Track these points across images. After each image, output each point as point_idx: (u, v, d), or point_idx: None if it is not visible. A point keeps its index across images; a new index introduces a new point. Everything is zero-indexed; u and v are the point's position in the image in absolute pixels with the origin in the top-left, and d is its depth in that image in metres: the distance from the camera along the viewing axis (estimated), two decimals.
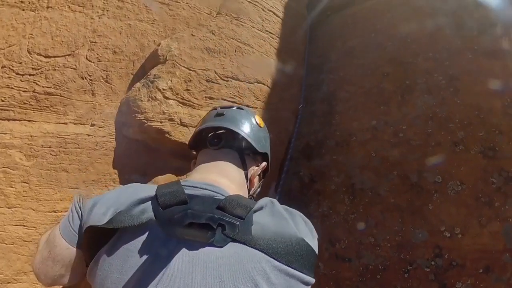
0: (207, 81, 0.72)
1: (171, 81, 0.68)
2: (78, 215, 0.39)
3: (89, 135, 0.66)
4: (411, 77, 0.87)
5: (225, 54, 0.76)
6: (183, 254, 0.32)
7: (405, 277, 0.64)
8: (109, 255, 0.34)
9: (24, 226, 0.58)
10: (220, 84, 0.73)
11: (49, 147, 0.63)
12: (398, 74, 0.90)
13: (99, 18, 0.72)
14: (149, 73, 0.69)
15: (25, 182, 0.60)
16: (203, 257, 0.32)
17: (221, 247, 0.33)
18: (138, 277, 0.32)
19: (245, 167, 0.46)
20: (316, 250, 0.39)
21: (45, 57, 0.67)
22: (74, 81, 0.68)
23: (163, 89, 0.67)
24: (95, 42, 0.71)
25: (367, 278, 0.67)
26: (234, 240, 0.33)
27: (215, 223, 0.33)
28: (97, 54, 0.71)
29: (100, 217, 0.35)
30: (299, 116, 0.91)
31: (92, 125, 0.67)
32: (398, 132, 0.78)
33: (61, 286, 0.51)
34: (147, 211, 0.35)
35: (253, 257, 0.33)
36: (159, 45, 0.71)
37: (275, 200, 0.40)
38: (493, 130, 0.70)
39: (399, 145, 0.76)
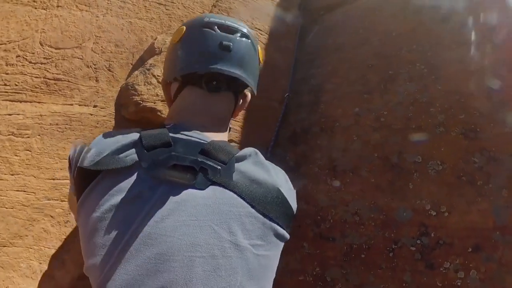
0: None
1: None
2: (72, 161, 0.38)
3: (91, 115, 0.74)
4: (394, 68, 0.91)
5: None
6: (164, 194, 0.33)
7: (390, 256, 0.63)
8: (91, 196, 0.34)
9: (25, 191, 0.64)
10: None
11: (56, 124, 0.71)
12: (382, 66, 0.94)
13: (104, 16, 0.83)
14: (146, 63, 0.78)
15: (28, 150, 0.67)
16: (183, 197, 0.33)
17: (202, 189, 0.33)
18: (120, 217, 0.32)
19: (236, 106, 0.44)
20: (294, 207, 0.38)
21: (56, 48, 0.76)
22: (81, 69, 0.77)
23: (157, 76, 0.76)
24: (100, 37, 0.81)
25: (351, 257, 0.67)
26: (214, 184, 0.34)
27: (198, 166, 0.33)
28: (101, 46, 0.80)
29: (89, 160, 0.35)
30: (285, 103, 0.95)
31: (95, 106, 0.76)
32: (379, 117, 0.81)
33: None
34: (131, 154, 0.35)
35: (231, 201, 0.33)
36: (155, 39, 0.81)
37: (258, 151, 0.39)
38: (474, 112, 0.71)
39: (380, 129, 0.78)
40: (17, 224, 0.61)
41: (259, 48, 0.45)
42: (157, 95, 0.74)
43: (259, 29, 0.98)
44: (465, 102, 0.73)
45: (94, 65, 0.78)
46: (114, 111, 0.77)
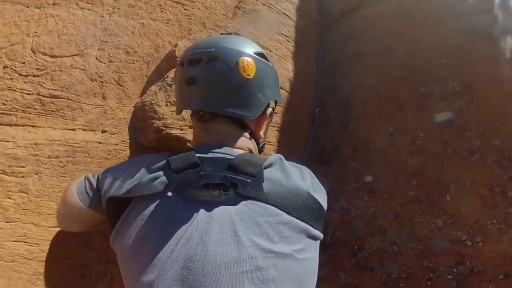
0: None
1: None
2: (94, 182, 0.42)
3: (100, 143, 0.61)
4: (426, 83, 0.88)
5: None
6: (199, 214, 0.33)
7: (428, 284, 0.65)
8: (127, 223, 0.35)
9: (25, 242, 0.53)
10: None
11: (57, 157, 0.58)
12: (412, 79, 0.90)
13: (110, 16, 0.68)
14: (166, 76, 0.65)
15: (24, 192, 0.55)
16: (218, 214, 0.33)
17: (235, 204, 0.34)
18: (157, 240, 0.32)
19: (246, 128, 0.42)
20: (325, 205, 0.39)
21: (51, 56, 0.62)
22: (83, 83, 0.63)
23: None
24: (106, 42, 0.66)
25: (389, 287, 0.68)
26: (246, 197, 0.34)
27: (228, 182, 0.34)
28: (108, 54, 0.66)
29: (118, 189, 0.37)
30: (315, 121, 0.89)
31: (103, 131, 0.62)
32: (415, 139, 0.79)
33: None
34: (161, 178, 0.35)
35: (265, 211, 0.34)
36: (176, 46, 0.67)
37: (282, 157, 0.40)
38: (509, 139, 0.71)
39: (417, 154, 0.76)
40: (22, 280, 0.51)
41: (242, 61, 0.39)
42: (184, 119, 0.61)
43: (285, 35, 0.88)
44: (500, 126, 0.73)
45: (100, 77, 0.64)
46: (128, 137, 0.63)
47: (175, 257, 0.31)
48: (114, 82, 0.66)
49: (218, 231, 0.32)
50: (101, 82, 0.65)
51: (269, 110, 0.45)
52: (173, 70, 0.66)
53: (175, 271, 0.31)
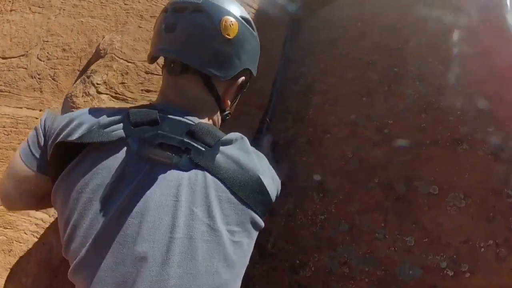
0: (146, 72, 0.67)
1: (107, 75, 0.65)
2: (42, 134, 0.37)
3: (37, 118, 0.67)
4: (400, 64, 0.73)
5: None
6: (149, 173, 0.33)
7: None
8: (75, 172, 0.33)
9: None
10: (161, 75, 0.67)
11: (3, 127, 0.65)
12: (384, 61, 0.76)
13: (55, 17, 0.74)
14: (88, 69, 0.67)
15: None
16: (165, 176, 0.33)
17: (186, 171, 0.33)
18: (106, 196, 0.32)
19: (214, 92, 0.40)
20: (273, 197, 0.38)
21: (3, 58, 0.70)
22: (24, 80, 0.70)
23: (97, 84, 0.64)
24: (47, 41, 0.72)
25: None
26: (198, 166, 0.34)
27: (183, 146, 0.34)
28: (47, 53, 0.72)
29: (69, 134, 0.34)
30: (265, 126, 0.80)
31: (41, 110, 0.68)
32: (382, 128, 0.63)
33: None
34: (118, 129, 0.34)
35: (212, 184, 0.33)
36: (103, 38, 0.69)
37: (244, 137, 0.39)
38: (507, 123, 0.52)
39: (383, 144, 0.61)
40: None
41: (226, 20, 0.37)
42: None
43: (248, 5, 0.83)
44: (495, 109, 0.55)
45: (39, 74, 0.70)
46: None
47: (117, 211, 0.31)
48: (50, 78, 0.72)
49: (162, 192, 0.32)
50: (39, 78, 0.72)
51: (242, 78, 0.43)
52: (97, 62, 0.67)
53: (115, 223, 0.31)
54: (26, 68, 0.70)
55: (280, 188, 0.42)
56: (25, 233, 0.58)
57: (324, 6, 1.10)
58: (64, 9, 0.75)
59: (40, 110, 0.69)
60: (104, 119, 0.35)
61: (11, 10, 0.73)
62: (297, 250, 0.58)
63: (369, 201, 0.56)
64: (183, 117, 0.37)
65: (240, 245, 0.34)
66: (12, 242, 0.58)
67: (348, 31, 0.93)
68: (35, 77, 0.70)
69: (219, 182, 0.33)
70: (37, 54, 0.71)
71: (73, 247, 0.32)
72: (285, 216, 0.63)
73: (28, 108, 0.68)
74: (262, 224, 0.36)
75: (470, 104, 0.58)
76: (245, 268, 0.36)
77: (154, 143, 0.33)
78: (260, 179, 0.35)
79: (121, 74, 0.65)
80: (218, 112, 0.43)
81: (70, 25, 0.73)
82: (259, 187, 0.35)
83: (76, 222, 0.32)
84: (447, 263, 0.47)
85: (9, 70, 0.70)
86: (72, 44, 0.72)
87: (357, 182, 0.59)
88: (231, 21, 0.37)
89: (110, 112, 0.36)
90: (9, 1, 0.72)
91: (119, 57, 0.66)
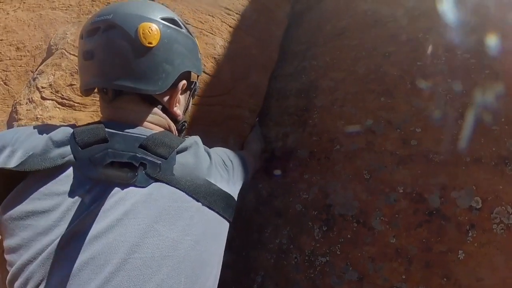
0: None
1: (53, 76, 0.52)
2: None
3: None
4: (423, 57, 0.59)
5: None
6: (102, 195, 0.31)
7: None
8: (17, 200, 0.30)
9: None
10: None
11: None
12: (403, 53, 0.62)
13: (14, 12, 0.61)
14: (36, 69, 0.54)
15: None
16: (121, 196, 0.31)
17: (144, 187, 0.32)
18: (51, 223, 0.30)
19: (156, 105, 0.38)
20: (235, 193, 0.38)
21: None
22: None
23: (42, 88, 0.51)
24: (1, 40, 0.60)
25: None
26: (156, 180, 0.33)
27: (137, 162, 0.32)
28: (0, 53, 0.59)
29: (5, 160, 0.32)
30: (255, 126, 0.67)
31: None
32: (408, 138, 0.50)
33: None
34: (65, 153, 0.32)
35: (172, 196, 0.32)
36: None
37: (199, 140, 0.39)
38: None
39: (409, 161, 0.47)
40: None
41: (143, 27, 0.35)
42: (37, 118, 0.50)
43: (225, 7, 0.69)
44: None
45: None
46: None
47: (68, 238, 0.29)
48: (1, 82, 0.60)
49: (118, 213, 0.31)
50: None
51: (182, 83, 0.39)
52: (46, 62, 0.55)
53: (66, 253, 0.29)
54: None
55: (247, 175, 0.43)
56: None
57: None
58: (24, 2, 0.61)
59: None
60: (46, 141, 0.33)
61: None
62: None
63: (387, 242, 0.42)
64: (133, 132, 0.35)
65: (208, 253, 0.33)
66: None
67: (357, 20, 0.79)
68: None
69: (180, 192, 0.33)
70: None
71: (15, 272, 0.30)
72: (276, 252, 0.48)
73: None
74: (228, 224, 0.36)
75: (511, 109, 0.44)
76: (216, 275, 0.35)
77: (105, 162, 0.31)
78: (209, 181, 0.35)
79: (71, 73, 0.53)
80: (173, 124, 0.40)
81: (28, 20, 0.60)
82: (219, 192, 0.35)
83: (24, 255, 0.30)
84: None
85: None
86: (27, 41, 0.59)
87: (372, 215, 0.44)
88: (150, 27, 0.34)
89: (53, 133, 0.33)
90: None
91: (70, 53, 0.54)
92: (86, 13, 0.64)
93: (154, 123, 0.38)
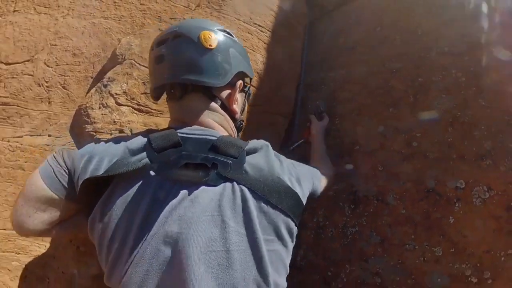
0: None
1: (126, 84, 0.58)
2: (65, 166, 0.37)
3: (48, 145, 0.59)
4: (424, 74, 0.74)
5: None
6: (179, 194, 0.34)
7: None
8: (108, 205, 0.34)
9: None
10: None
11: (8, 141, 0.57)
12: (408, 70, 0.77)
13: (63, 18, 0.66)
14: (104, 76, 0.60)
15: None
16: (196, 194, 0.34)
17: (215, 185, 0.34)
18: (138, 223, 0.33)
19: (217, 100, 0.43)
20: (304, 199, 0.39)
21: (6, 64, 0.62)
22: (31, 89, 0.62)
23: (116, 94, 0.57)
24: (55, 45, 0.64)
25: None
26: (227, 179, 0.35)
27: (209, 163, 0.35)
28: (56, 58, 0.64)
29: (96, 169, 0.35)
30: (297, 120, 0.78)
31: (49, 135, 0.60)
32: (411, 141, 0.65)
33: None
34: (142, 157, 0.36)
35: (243, 194, 0.34)
36: (119, 42, 0.63)
37: (269, 144, 0.41)
38: None
39: (412, 158, 0.62)
40: None
41: (204, 34, 0.42)
42: (114, 122, 0.56)
43: (259, 25, 0.79)
44: None
45: (46, 82, 0.62)
46: (72, 139, 0.60)
47: (154, 236, 0.32)
48: (59, 86, 0.64)
49: (195, 210, 0.33)
50: (47, 87, 0.63)
51: (239, 82, 0.45)
52: (113, 69, 0.61)
53: (153, 248, 0.32)
54: (32, 75, 0.61)
55: (318, 184, 0.44)
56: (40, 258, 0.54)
57: (338, 7, 1.07)
58: (73, 9, 0.65)
59: (49, 136, 0.58)
60: (125, 149, 0.36)
61: (14, 11, 0.63)
62: (327, 263, 0.59)
63: (399, 214, 0.58)
64: (202, 135, 0.38)
65: (277, 252, 0.34)
66: (26, 268, 0.54)
67: (368, 36, 0.92)
68: (42, 85, 0.61)
69: (249, 192, 0.34)
70: (44, 60, 0.62)
71: (115, 276, 0.33)
72: (314, 229, 0.64)
73: (31, 136, 0.58)
74: (295, 229, 0.37)
75: (492, 119, 0.60)
76: (285, 275, 0.36)
77: (179, 164, 0.34)
78: (290, 187, 0.37)
79: (143, 83, 0.59)
80: (231, 122, 0.44)
81: (81, 27, 0.64)
82: (291, 195, 0.36)
83: (118, 251, 0.33)
84: (471, 271, 0.52)
85: (13, 78, 0.60)
86: (83, 48, 0.63)
87: (387, 197, 0.61)
88: (209, 34, 0.41)
89: (130, 142, 0.37)
90: (12, 1, 0.61)
91: (139, 64, 0.60)
92: (139, 25, 0.69)
93: (217, 122, 0.41)
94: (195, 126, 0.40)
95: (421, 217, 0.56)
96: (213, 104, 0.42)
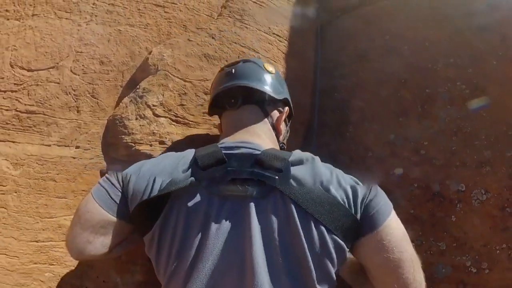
0: (205, 93, 0.63)
1: (163, 95, 0.60)
2: (120, 187, 0.39)
3: (74, 158, 0.60)
4: (431, 85, 0.80)
5: (226, 61, 0.68)
6: (229, 209, 0.35)
7: None
8: (164, 225, 0.36)
9: (7, 255, 0.54)
10: None
11: (34, 173, 0.57)
12: (417, 81, 0.82)
13: (87, 24, 0.65)
14: (138, 86, 0.61)
15: (3, 208, 0.55)
16: (246, 210, 0.35)
17: (262, 199, 0.35)
18: (195, 237, 0.35)
19: (268, 117, 0.48)
20: (358, 215, 0.37)
21: (28, 70, 0.60)
22: (58, 97, 0.61)
23: (153, 105, 0.58)
24: (81, 52, 0.63)
25: None
26: (273, 193, 0.36)
27: (255, 177, 0.36)
28: (83, 65, 0.63)
29: (148, 190, 0.37)
30: (315, 125, 0.84)
31: (77, 147, 0.61)
32: (419, 148, 0.72)
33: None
34: (190, 176, 0.37)
35: (289, 209, 0.35)
36: (150, 52, 0.63)
37: (316, 157, 0.41)
38: None
39: (420, 164, 0.69)
40: None
41: (267, 64, 0.52)
42: (153, 133, 0.57)
43: (277, 35, 0.81)
44: None
45: (74, 90, 0.62)
46: (101, 152, 0.61)
47: (212, 251, 0.34)
48: (88, 95, 0.63)
49: (246, 224, 0.34)
50: (75, 95, 0.62)
51: (287, 108, 0.52)
52: (146, 79, 0.62)
53: (211, 263, 0.34)
54: (58, 83, 0.59)
55: (369, 195, 0.39)
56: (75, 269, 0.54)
57: (345, 13, 1.10)
58: (96, 15, 0.63)
59: (77, 148, 0.60)
60: (175, 168, 0.38)
61: (33, 15, 0.60)
62: None
63: (408, 214, 0.66)
64: (247, 149, 0.40)
65: (324, 269, 0.34)
66: (62, 279, 0.55)
67: (376, 44, 0.96)
68: (70, 94, 0.60)
69: (295, 206, 0.34)
70: (70, 67, 0.60)
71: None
72: None
73: (59, 146, 0.59)
74: (346, 248, 0.36)
75: (492, 129, 0.67)
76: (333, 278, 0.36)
77: (226, 180, 0.36)
78: (343, 205, 0.35)
79: (179, 94, 0.60)
80: (276, 141, 0.48)
81: (106, 34, 0.62)
82: (339, 207, 0.35)
83: (176, 267, 0.35)
84: (471, 262, 0.60)
85: (38, 85, 0.58)
86: (111, 56, 0.64)
87: (397, 198, 0.68)
88: (269, 64, 0.52)
89: (178, 160, 0.39)
90: (30, 5, 0.58)
91: (174, 75, 0.61)
92: (166, 33, 0.70)
93: (265, 135, 0.45)
94: (242, 137, 0.43)
95: (428, 216, 0.65)
96: (266, 119, 0.47)
